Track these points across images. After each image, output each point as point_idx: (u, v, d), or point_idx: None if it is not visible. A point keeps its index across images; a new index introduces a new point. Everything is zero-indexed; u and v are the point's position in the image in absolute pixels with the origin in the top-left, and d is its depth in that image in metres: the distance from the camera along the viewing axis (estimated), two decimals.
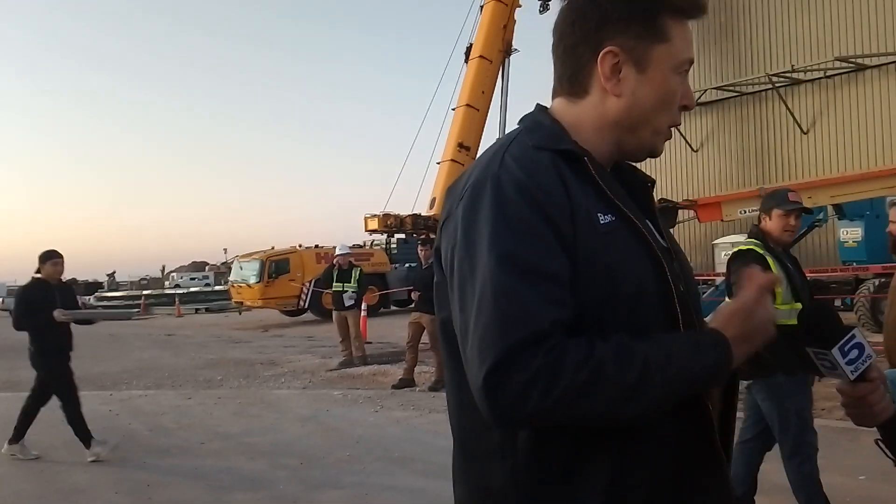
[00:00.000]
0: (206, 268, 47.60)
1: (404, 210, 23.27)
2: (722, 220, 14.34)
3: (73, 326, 6.03)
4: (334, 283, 10.74)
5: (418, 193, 29.66)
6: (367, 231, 23.20)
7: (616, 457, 1.07)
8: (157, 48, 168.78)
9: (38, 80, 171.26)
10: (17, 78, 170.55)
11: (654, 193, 1.31)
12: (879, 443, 1.36)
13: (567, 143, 1.13)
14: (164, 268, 48.68)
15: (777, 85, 17.93)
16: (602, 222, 1.09)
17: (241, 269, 21.80)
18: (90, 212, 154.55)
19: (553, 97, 1.23)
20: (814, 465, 3.43)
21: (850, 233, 13.16)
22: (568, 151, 1.12)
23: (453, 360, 1.13)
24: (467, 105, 22.78)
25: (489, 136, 23.21)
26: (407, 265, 21.85)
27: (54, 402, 5.96)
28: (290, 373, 10.65)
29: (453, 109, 23.41)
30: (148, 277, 48.11)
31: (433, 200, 22.29)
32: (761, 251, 3.44)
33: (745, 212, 13.17)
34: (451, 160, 22.24)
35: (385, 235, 23.55)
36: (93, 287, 47.15)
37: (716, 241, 17.05)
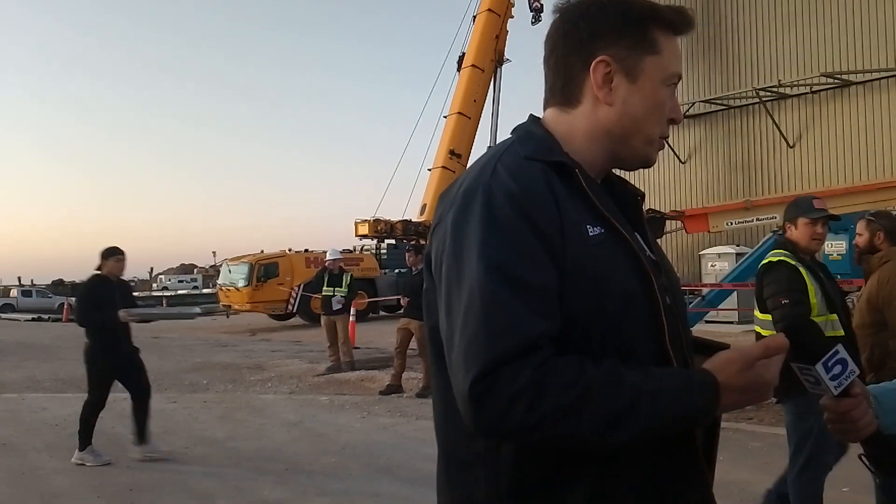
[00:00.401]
0: (195, 270, 47.40)
1: (395, 216, 23.30)
2: (709, 232, 14.44)
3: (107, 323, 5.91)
4: (325, 288, 10.72)
5: (409, 199, 29.63)
6: (357, 236, 23.17)
7: (599, 474, 1.07)
8: (152, 54, 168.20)
9: (27, 83, 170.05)
10: (2, 81, 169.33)
11: (643, 205, 1.32)
12: (863, 458, 1.36)
13: (558, 154, 1.14)
14: (152, 270, 48.56)
15: (764, 99, 18.13)
16: (591, 234, 1.09)
17: (230, 272, 21.70)
18: (76, 212, 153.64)
19: (545, 108, 1.24)
20: (819, 486, 3.37)
21: (835, 245, 13.29)
22: (559, 163, 1.12)
23: (441, 367, 1.13)
24: (459, 113, 22.88)
25: (480, 145, 23.33)
26: (397, 271, 21.87)
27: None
28: (277, 377, 10.60)
29: (445, 117, 23.48)
30: (136, 279, 47.82)
31: (424, 206, 22.32)
32: (793, 262, 3.27)
33: (732, 223, 13.28)
34: (443, 167, 22.29)
35: (375, 241, 23.55)
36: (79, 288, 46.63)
37: (702, 252, 17.19)
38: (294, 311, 20.22)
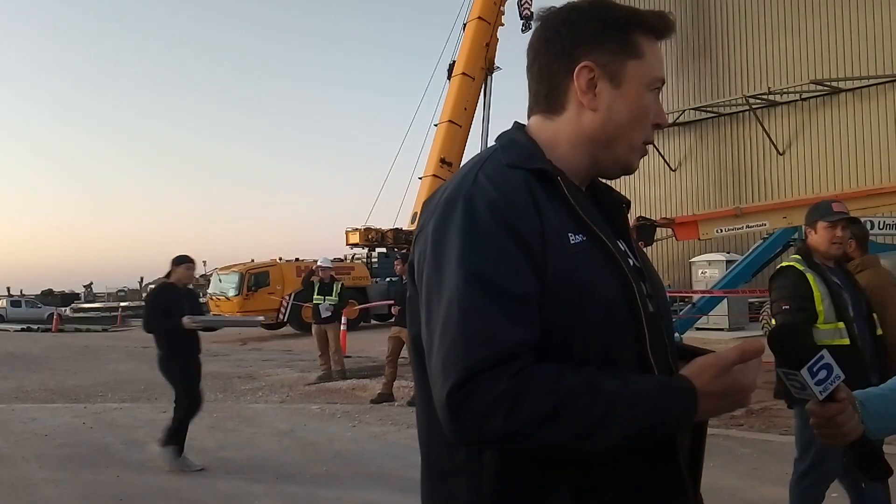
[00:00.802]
0: None
1: (386, 224, 23.33)
2: (699, 239, 14.51)
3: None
4: (315, 297, 10.70)
5: (400, 208, 29.75)
6: (348, 245, 23.19)
7: (580, 481, 1.07)
8: (140, 62, 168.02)
9: (15, 91, 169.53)
10: None
11: (633, 211, 1.33)
12: (848, 461, 1.38)
13: (540, 161, 1.14)
14: (142, 279, 48.32)
15: (754, 106, 18.28)
16: (573, 242, 1.09)
17: (220, 281, 21.65)
18: (66, 221, 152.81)
19: (529, 115, 1.24)
20: (820, 493, 3.37)
21: None
22: (541, 171, 1.13)
23: (424, 375, 1.13)
24: (449, 121, 22.97)
25: (471, 152, 23.35)
26: (388, 279, 21.84)
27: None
28: (268, 386, 10.55)
29: (436, 125, 23.57)
30: (126, 289, 47.60)
31: (415, 215, 22.35)
32: (801, 268, 3.26)
33: (722, 231, 13.34)
34: (433, 175, 22.35)
35: (366, 249, 23.53)
36: (69, 298, 46.45)
37: (692, 259, 17.27)
38: (285, 320, 20.18)
